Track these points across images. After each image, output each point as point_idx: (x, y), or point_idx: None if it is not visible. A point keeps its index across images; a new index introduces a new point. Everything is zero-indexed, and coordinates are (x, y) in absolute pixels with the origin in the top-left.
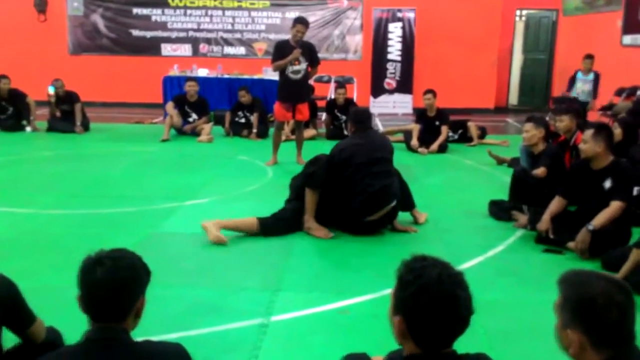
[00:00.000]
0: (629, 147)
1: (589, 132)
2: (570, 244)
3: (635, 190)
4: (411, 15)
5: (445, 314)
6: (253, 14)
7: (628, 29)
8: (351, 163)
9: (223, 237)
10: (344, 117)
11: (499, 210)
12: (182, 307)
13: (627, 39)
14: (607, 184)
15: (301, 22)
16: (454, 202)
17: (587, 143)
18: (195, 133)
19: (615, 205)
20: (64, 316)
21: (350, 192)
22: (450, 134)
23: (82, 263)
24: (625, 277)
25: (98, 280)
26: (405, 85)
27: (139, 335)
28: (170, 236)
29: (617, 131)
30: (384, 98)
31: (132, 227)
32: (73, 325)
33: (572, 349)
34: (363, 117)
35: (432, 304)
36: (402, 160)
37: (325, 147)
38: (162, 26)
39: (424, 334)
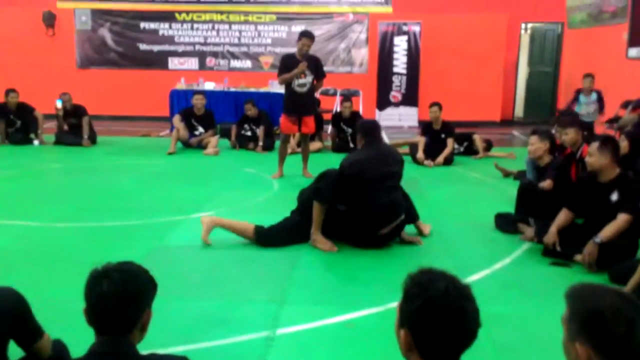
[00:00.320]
0: (636, 159)
1: (594, 145)
2: (578, 257)
3: None
4: (417, 28)
5: (452, 327)
6: (259, 27)
7: (634, 41)
8: (362, 177)
9: (209, 241)
10: (350, 130)
11: (506, 223)
12: (189, 319)
13: (633, 51)
14: (614, 196)
15: (307, 35)
16: (460, 215)
17: (593, 156)
18: (201, 146)
19: (622, 218)
20: (71, 329)
21: (362, 206)
22: (456, 146)
23: (89, 276)
24: (633, 290)
25: (104, 293)
26: (410, 98)
27: (145, 348)
28: (177, 249)
29: (624, 144)
30: (389, 111)
31: (138, 240)
32: (79, 338)
33: None
34: (371, 129)
35: (438, 317)
36: (408, 173)
37: (331, 159)
38: (169, 40)
39: (430, 347)
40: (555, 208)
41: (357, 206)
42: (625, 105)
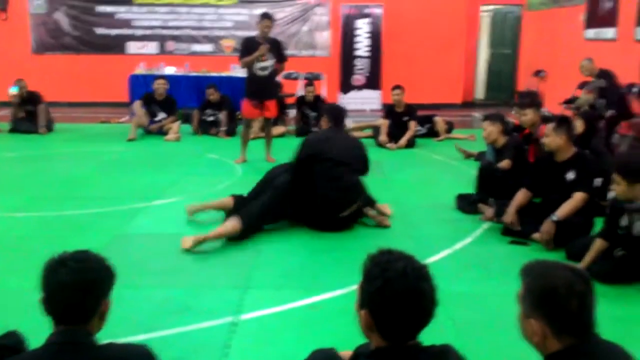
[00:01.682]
0: (591, 139)
1: (550, 126)
2: (536, 235)
3: (596, 182)
4: (378, 11)
5: (410, 306)
6: (220, 10)
7: (590, 23)
8: (317, 159)
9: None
10: (313, 114)
11: (466, 204)
12: (151, 307)
13: (590, 32)
14: (570, 175)
15: (267, 17)
16: (422, 196)
17: (549, 136)
18: (162, 132)
19: (578, 197)
20: (28, 320)
21: (320, 188)
22: (418, 128)
23: (45, 265)
24: (588, 266)
25: (61, 282)
26: (373, 81)
27: (107, 337)
28: (139, 237)
29: (579, 123)
30: (352, 94)
31: (99, 229)
32: (36, 329)
33: (535, 338)
34: (338, 114)
35: (397, 298)
36: (371, 156)
37: (295, 144)
38: (127, 24)
39: (389, 327)
40: (513, 188)
41: (316, 188)
42: (581, 86)
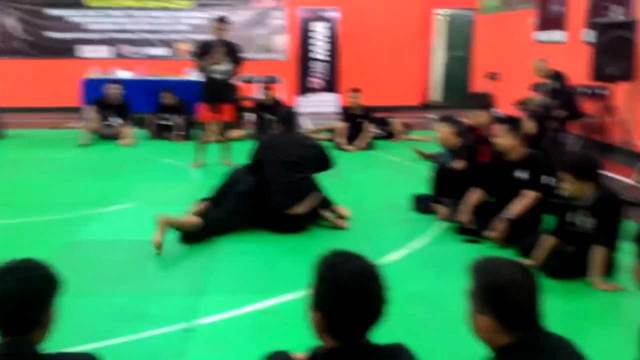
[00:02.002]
0: (541, 139)
1: (502, 127)
2: (489, 233)
3: (545, 180)
4: (335, 15)
5: (360, 306)
6: (177, 14)
7: (541, 26)
8: (265, 159)
9: (160, 247)
10: (271, 118)
11: (423, 204)
12: (104, 315)
13: (540, 35)
14: (522, 175)
15: (222, 20)
16: (380, 197)
17: (501, 137)
18: (116, 137)
19: (529, 195)
20: None
21: (269, 187)
22: (376, 130)
23: None
24: (538, 262)
25: (3, 292)
26: (331, 84)
27: (59, 346)
28: (92, 244)
29: (530, 124)
30: (311, 97)
31: (50, 237)
32: None
33: (484, 333)
34: (288, 118)
35: (347, 298)
36: None
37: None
38: (79, 27)
39: (341, 327)
40: (468, 188)
41: (266, 187)
42: (533, 87)
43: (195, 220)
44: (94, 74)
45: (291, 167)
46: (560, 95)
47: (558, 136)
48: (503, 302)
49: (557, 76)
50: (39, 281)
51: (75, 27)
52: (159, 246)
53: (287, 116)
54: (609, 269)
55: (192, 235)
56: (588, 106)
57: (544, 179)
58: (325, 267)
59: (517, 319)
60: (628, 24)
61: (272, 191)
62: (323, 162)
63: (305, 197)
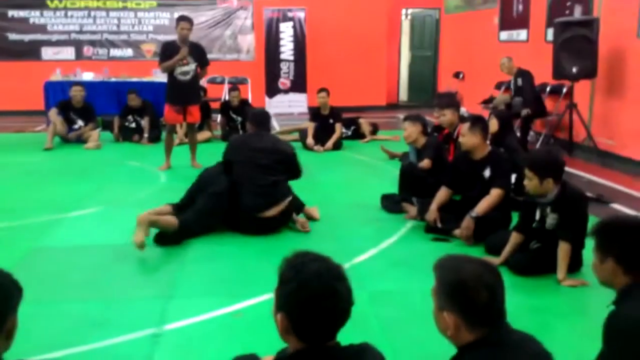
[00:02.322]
0: (505, 137)
1: (465, 126)
2: (456, 232)
3: (512, 178)
4: (301, 15)
5: (325, 307)
6: (139, 14)
7: (504, 25)
8: (236, 160)
9: (143, 246)
10: (239, 119)
11: (391, 203)
12: (69, 322)
13: (504, 34)
14: (487, 172)
15: (184, 19)
16: (348, 198)
17: (465, 135)
18: (81, 140)
19: (495, 193)
20: None
21: (241, 189)
22: (344, 130)
23: None
24: (506, 259)
25: None
26: (299, 85)
27: (21, 354)
28: (56, 250)
29: (493, 122)
30: (279, 98)
31: (12, 243)
32: None
33: (449, 331)
34: (262, 119)
35: (312, 299)
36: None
37: (221, 149)
38: (42, 29)
39: (305, 328)
40: (434, 186)
41: (238, 188)
42: (498, 86)
43: (173, 220)
44: (57, 76)
45: (263, 170)
46: (525, 93)
47: (524, 135)
48: (466, 298)
49: (523, 74)
50: (0, 288)
51: (39, 29)
52: (141, 245)
53: (259, 117)
54: (575, 265)
55: (166, 237)
56: (550, 104)
57: (508, 176)
58: (288, 268)
59: (480, 315)
60: (588, 22)
61: (244, 193)
62: (293, 171)
63: (277, 200)
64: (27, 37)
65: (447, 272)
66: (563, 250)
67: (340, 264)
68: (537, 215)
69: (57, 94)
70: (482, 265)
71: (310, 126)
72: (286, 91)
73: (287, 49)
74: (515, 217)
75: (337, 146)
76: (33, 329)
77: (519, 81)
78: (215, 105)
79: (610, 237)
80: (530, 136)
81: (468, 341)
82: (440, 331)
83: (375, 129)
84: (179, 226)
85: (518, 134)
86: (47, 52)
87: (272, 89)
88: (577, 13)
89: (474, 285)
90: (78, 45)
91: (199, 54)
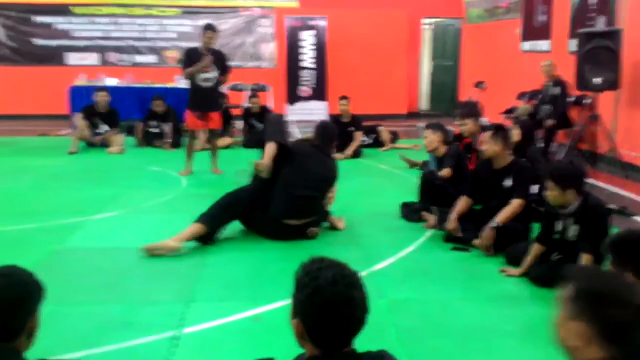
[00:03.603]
0: (527, 147)
1: (488, 134)
2: (476, 242)
3: (533, 189)
4: (323, 23)
5: (339, 314)
6: (164, 21)
7: (526, 35)
8: (298, 160)
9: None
10: (260, 125)
11: (410, 212)
12: (90, 324)
13: (526, 45)
14: (508, 183)
15: (210, 28)
16: (368, 206)
17: (487, 144)
18: (105, 145)
19: (515, 203)
20: None
21: (283, 188)
22: (364, 138)
23: None
24: (526, 271)
25: None
26: (320, 93)
27: (42, 354)
28: (77, 252)
29: (516, 132)
30: (300, 105)
31: (35, 245)
32: None
33: (576, 343)
34: (328, 136)
35: (326, 306)
36: None
37: (242, 155)
38: (67, 35)
39: (320, 335)
40: (454, 196)
41: (276, 188)
42: (520, 96)
43: (199, 228)
44: (82, 81)
45: (310, 184)
46: (559, 103)
47: (545, 145)
48: (611, 311)
49: (561, 83)
50: (22, 288)
51: (63, 35)
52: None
53: (328, 134)
54: None
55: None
56: (574, 115)
57: (530, 187)
58: (303, 274)
59: (620, 333)
60: (612, 33)
61: (277, 198)
62: (332, 185)
63: (308, 215)
64: (52, 43)
65: (589, 279)
66: (584, 262)
67: (356, 271)
68: (559, 227)
69: (82, 99)
70: (627, 282)
71: None
72: (307, 99)
73: (308, 57)
74: (536, 228)
75: (357, 154)
76: (55, 329)
77: (556, 90)
78: (236, 112)
79: (627, 251)
80: (553, 147)
81: (594, 359)
82: (562, 344)
83: (395, 138)
84: (205, 230)
85: (541, 145)
86: (72, 58)
87: (293, 97)
88: (601, 24)
89: (621, 297)
90: (103, 51)
91: (221, 61)
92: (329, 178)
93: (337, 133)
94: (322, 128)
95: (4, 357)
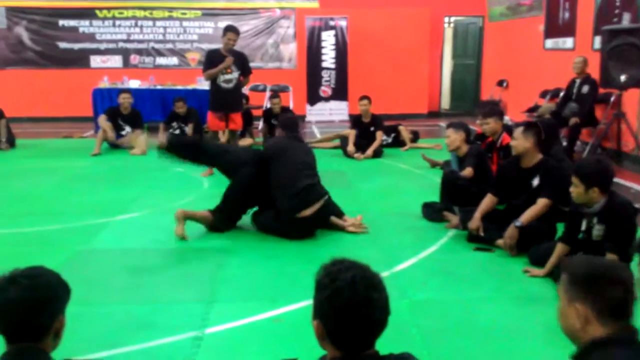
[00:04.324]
0: (551, 146)
1: (519, 129)
2: (500, 241)
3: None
4: (343, 23)
5: (359, 316)
6: (185, 23)
7: (549, 33)
8: (281, 157)
9: (186, 236)
10: None
11: (432, 212)
12: (113, 324)
13: (549, 42)
14: (535, 181)
15: (232, 30)
16: (389, 206)
17: (517, 139)
18: (128, 146)
19: (541, 203)
20: None
21: (280, 188)
22: (384, 137)
23: None
24: (551, 271)
25: (12, 299)
26: (340, 93)
27: (66, 354)
28: (101, 252)
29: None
30: (320, 105)
31: (59, 245)
32: None
33: (578, 324)
34: (291, 124)
35: (345, 307)
36: (339, 167)
37: None
38: (90, 38)
39: (341, 336)
40: (477, 195)
41: (276, 188)
42: (543, 94)
43: (208, 214)
44: (104, 83)
45: (304, 172)
46: (586, 101)
47: (569, 143)
48: (602, 288)
49: (591, 82)
50: (48, 288)
51: (88, 38)
52: (182, 236)
53: (290, 122)
54: None
55: (219, 221)
56: (598, 113)
57: (557, 186)
58: (323, 275)
59: (614, 308)
60: (637, 29)
61: (279, 197)
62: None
63: (319, 199)
64: (76, 46)
65: (580, 266)
66: None
67: (377, 272)
68: (583, 226)
69: (105, 101)
70: (614, 262)
71: (351, 134)
72: (327, 99)
73: (328, 57)
74: (561, 228)
75: (377, 154)
76: (79, 329)
77: (584, 88)
78: (257, 112)
79: None
80: (577, 146)
81: (597, 336)
82: (566, 330)
83: (415, 137)
84: (213, 215)
85: (564, 143)
86: (95, 60)
87: (314, 97)
88: (626, 20)
89: (610, 276)
90: (125, 53)
91: (241, 62)
92: (314, 160)
93: (296, 119)
94: (282, 122)
95: (31, 357)
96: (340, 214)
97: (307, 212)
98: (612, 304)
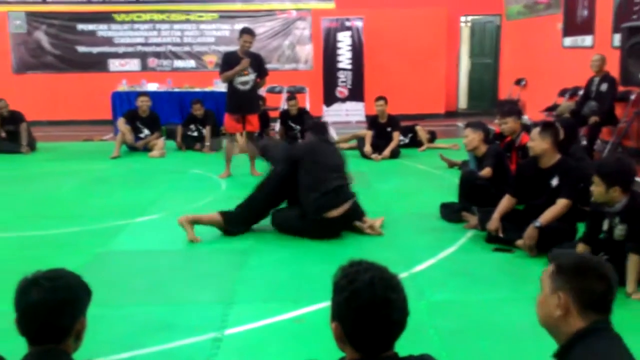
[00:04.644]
0: (570, 146)
1: (536, 130)
2: (519, 242)
3: (576, 187)
4: (359, 24)
5: (377, 318)
6: (202, 26)
7: (568, 31)
8: (311, 158)
9: (198, 238)
10: (298, 127)
11: (450, 212)
12: (133, 326)
13: (567, 40)
14: (554, 182)
15: (248, 32)
16: (407, 206)
17: (535, 140)
18: (147, 149)
19: (561, 203)
20: (6, 342)
21: (308, 188)
22: (401, 138)
23: (18, 285)
24: None
25: (34, 301)
26: (357, 93)
27: (87, 356)
28: (121, 254)
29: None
30: (336, 106)
31: (79, 247)
32: (16, 351)
33: (558, 313)
34: (320, 127)
35: (363, 309)
36: (356, 167)
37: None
38: (109, 41)
39: (359, 338)
40: (496, 195)
41: (304, 187)
42: (562, 93)
43: (216, 216)
44: (123, 87)
45: (334, 173)
46: (606, 99)
47: (589, 142)
48: (586, 279)
49: (610, 80)
50: (70, 290)
51: (106, 42)
52: (194, 241)
53: (319, 126)
54: None
55: (233, 224)
56: (618, 111)
57: (576, 186)
58: (341, 276)
59: (596, 300)
60: None
61: (312, 193)
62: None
63: (347, 200)
64: (95, 50)
65: (568, 256)
66: (632, 262)
67: (395, 273)
68: (605, 226)
69: (123, 104)
70: (602, 260)
71: (367, 134)
72: (344, 100)
73: (344, 58)
74: (581, 228)
75: (394, 154)
76: (100, 331)
77: (603, 86)
78: (274, 114)
79: None
80: (596, 144)
81: (577, 328)
82: (544, 319)
83: (432, 137)
84: (226, 217)
85: (584, 142)
86: (113, 64)
87: (330, 98)
88: None
89: (597, 270)
90: (143, 57)
91: (258, 64)
92: (344, 163)
93: (325, 122)
94: (311, 125)
95: (53, 358)
96: (362, 215)
97: (335, 212)
98: (595, 297)
